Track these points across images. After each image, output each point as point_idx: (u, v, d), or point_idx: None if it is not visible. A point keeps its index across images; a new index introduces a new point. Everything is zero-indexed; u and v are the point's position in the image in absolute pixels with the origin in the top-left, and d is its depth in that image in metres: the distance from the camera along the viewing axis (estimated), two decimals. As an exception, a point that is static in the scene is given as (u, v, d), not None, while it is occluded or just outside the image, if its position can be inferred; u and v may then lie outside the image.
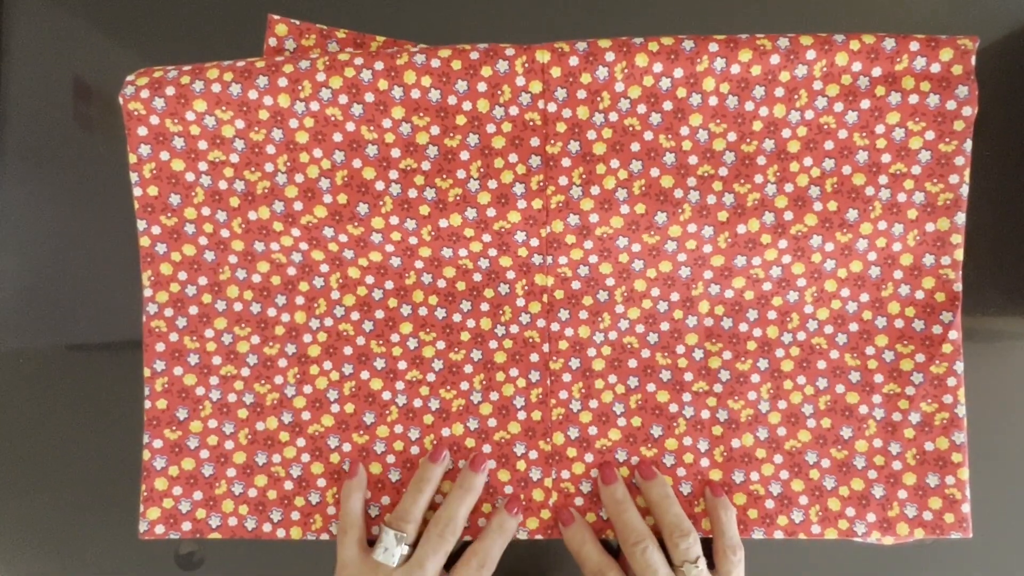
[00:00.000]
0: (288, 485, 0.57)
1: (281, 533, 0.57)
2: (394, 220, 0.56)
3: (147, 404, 0.57)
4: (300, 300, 0.58)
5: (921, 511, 0.55)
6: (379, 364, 0.58)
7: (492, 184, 0.55)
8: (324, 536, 0.57)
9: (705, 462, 0.57)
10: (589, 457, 0.57)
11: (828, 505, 0.56)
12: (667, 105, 0.54)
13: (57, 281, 0.60)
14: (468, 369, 0.58)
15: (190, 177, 0.56)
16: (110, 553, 0.60)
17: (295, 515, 0.57)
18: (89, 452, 0.60)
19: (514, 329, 0.57)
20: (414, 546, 0.54)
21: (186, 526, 0.57)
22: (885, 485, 0.56)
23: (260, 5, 0.58)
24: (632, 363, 0.57)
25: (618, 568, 0.54)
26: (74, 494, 0.60)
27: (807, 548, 0.58)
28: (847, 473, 0.56)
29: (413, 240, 0.57)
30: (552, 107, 0.54)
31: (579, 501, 0.56)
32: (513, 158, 0.55)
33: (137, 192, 0.57)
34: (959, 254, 0.55)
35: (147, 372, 0.58)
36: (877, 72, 0.53)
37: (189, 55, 0.56)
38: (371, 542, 0.56)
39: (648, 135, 0.55)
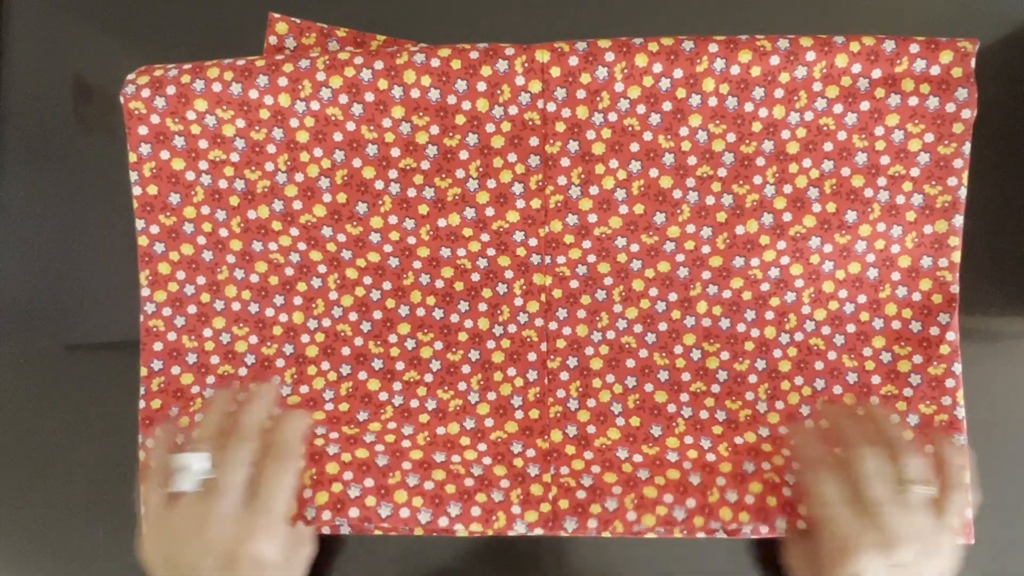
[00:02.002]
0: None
1: None
2: (393, 219, 0.56)
3: (141, 404, 0.57)
4: (298, 300, 0.58)
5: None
6: (377, 364, 0.58)
7: (491, 184, 0.56)
8: (298, 524, 0.56)
9: (712, 456, 0.56)
10: (588, 454, 0.57)
11: None
12: (666, 105, 0.54)
13: (57, 281, 0.60)
14: (466, 369, 0.58)
15: (190, 176, 0.57)
16: (108, 553, 0.60)
17: None
18: (88, 452, 0.60)
19: (512, 329, 0.57)
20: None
21: None
22: None
23: (260, 3, 0.58)
24: (630, 363, 0.57)
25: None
26: (73, 494, 0.60)
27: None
28: None
29: (412, 240, 0.57)
30: (551, 107, 0.54)
31: (581, 494, 0.56)
32: (512, 158, 0.55)
33: (136, 191, 0.57)
34: (956, 256, 0.55)
35: (144, 371, 0.58)
36: (877, 74, 0.53)
37: (189, 54, 0.56)
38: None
39: (647, 135, 0.55)
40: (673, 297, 0.57)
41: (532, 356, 0.57)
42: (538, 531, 0.56)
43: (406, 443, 0.57)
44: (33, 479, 0.60)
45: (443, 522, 0.55)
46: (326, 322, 0.58)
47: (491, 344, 0.58)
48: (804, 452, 0.51)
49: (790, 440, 0.54)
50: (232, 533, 0.48)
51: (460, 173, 0.56)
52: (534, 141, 0.55)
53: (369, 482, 0.55)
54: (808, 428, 0.54)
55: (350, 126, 0.55)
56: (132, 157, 0.56)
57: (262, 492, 0.49)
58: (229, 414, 0.52)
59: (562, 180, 0.55)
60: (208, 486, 0.49)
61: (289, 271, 0.58)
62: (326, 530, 0.57)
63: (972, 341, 0.56)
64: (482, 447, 0.57)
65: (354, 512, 0.55)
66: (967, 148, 0.54)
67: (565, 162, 0.55)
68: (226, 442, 0.50)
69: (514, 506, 0.56)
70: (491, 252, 0.57)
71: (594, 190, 0.55)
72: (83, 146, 0.59)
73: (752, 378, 0.57)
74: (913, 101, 0.54)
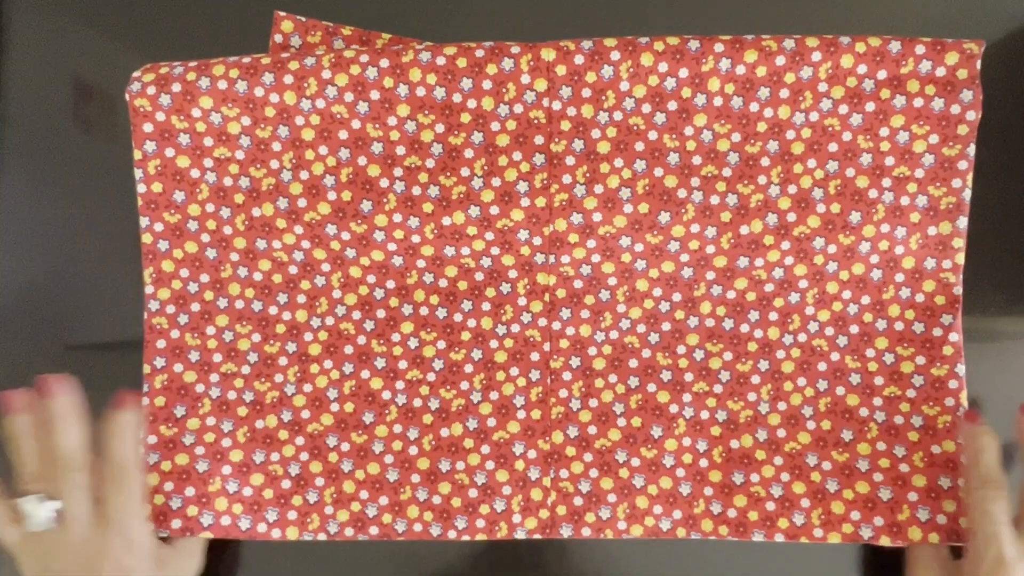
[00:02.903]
0: (285, 484, 0.57)
1: (276, 533, 0.57)
2: (397, 217, 0.56)
3: (144, 400, 0.57)
4: (301, 298, 0.58)
5: (935, 514, 0.54)
6: (380, 363, 0.58)
7: (496, 182, 0.56)
8: (321, 536, 0.57)
9: (704, 463, 0.57)
10: (588, 456, 0.57)
11: (831, 508, 0.55)
12: (672, 105, 0.54)
13: (57, 281, 0.60)
14: (468, 369, 0.58)
15: (195, 173, 0.56)
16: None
17: (292, 515, 0.57)
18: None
19: (515, 328, 0.57)
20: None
21: (176, 523, 0.56)
22: (893, 488, 0.55)
23: (266, 2, 0.58)
24: (633, 363, 0.57)
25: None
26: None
27: (807, 548, 0.58)
28: (850, 476, 0.56)
29: (416, 238, 0.57)
30: (557, 105, 0.54)
31: (578, 501, 0.56)
32: (517, 156, 0.55)
33: (141, 189, 0.57)
34: (960, 258, 0.55)
35: (147, 368, 0.57)
36: (882, 75, 0.53)
37: (192, 54, 0.56)
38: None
39: (652, 135, 0.55)
40: (677, 297, 0.57)
41: (535, 356, 0.57)
42: (536, 536, 0.57)
43: (413, 449, 0.57)
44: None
45: (452, 534, 0.56)
46: (329, 320, 0.58)
47: (494, 344, 0.58)
48: (983, 466, 0.52)
49: (970, 444, 0.53)
50: (93, 557, 0.49)
51: (465, 171, 0.56)
52: (539, 140, 0.55)
53: (384, 499, 0.57)
54: (990, 435, 0.53)
55: (355, 124, 0.55)
56: (137, 154, 0.56)
57: (112, 518, 0.51)
58: (45, 439, 0.52)
59: (567, 179, 0.55)
60: (60, 518, 0.51)
61: (293, 269, 0.58)
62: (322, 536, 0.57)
63: (973, 341, 0.56)
64: (485, 449, 0.57)
65: (374, 530, 0.57)
66: (972, 150, 0.54)
67: (570, 161, 0.55)
68: (59, 475, 0.51)
69: (515, 515, 0.56)
70: (495, 251, 0.57)
71: (599, 189, 0.55)
72: (83, 146, 0.59)
73: (755, 379, 0.57)
74: (918, 102, 0.54)
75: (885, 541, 0.55)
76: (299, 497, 0.57)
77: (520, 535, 0.56)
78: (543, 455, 0.57)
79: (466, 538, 0.57)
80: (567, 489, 0.57)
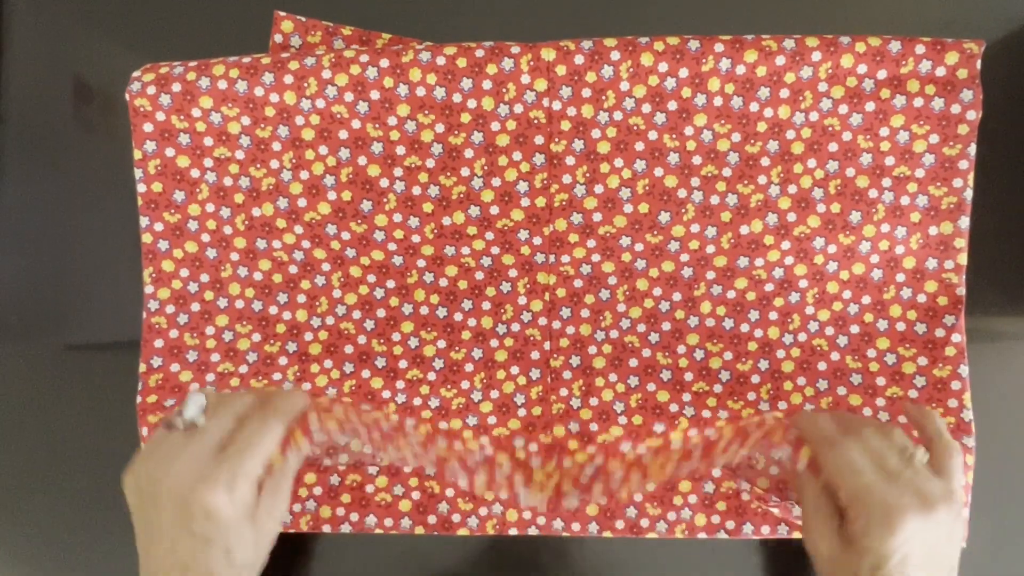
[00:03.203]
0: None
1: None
2: (397, 217, 0.56)
3: (138, 399, 0.57)
4: (301, 298, 0.58)
5: None
6: (380, 363, 0.58)
7: (496, 182, 0.56)
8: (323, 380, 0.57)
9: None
10: (591, 448, 0.56)
11: None
12: (672, 105, 0.54)
13: (57, 281, 0.60)
14: (469, 368, 0.58)
15: (195, 173, 0.56)
16: (109, 553, 0.60)
17: (286, 517, 0.57)
18: (88, 452, 0.60)
19: (515, 327, 0.57)
20: None
21: None
22: None
23: (266, 2, 0.58)
24: (633, 362, 0.57)
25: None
26: (73, 494, 0.60)
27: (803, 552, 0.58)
28: None
29: (416, 238, 0.57)
30: (557, 105, 0.54)
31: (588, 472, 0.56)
32: (517, 156, 0.55)
33: (141, 188, 0.57)
34: (962, 258, 0.55)
35: (142, 367, 0.57)
36: (882, 75, 0.53)
37: (192, 54, 0.56)
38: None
39: (652, 135, 0.55)
40: (677, 297, 0.57)
41: (535, 355, 0.57)
42: (541, 520, 0.57)
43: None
44: (32, 479, 0.60)
45: (457, 316, 0.58)
46: (329, 320, 0.58)
47: (494, 343, 0.58)
48: (817, 432, 0.50)
49: (797, 425, 0.52)
50: (191, 474, 0.46)
51: (465, 171, 0.56)
52: (539, 140, 0.55)
53: (391, 283, 0.58)
54: (810, 411, 0.53)
55: (355, 124, 0.55)
56: (137, 154, 0.56)
57: (235, 443, 0.48)
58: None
59: (567, 179, 0.55)
60: (196, 423, 0.48)
61: (293, 269, 0.58)
62: (327, 528, 0.57)
63: (974, 341, 0.56)
64: (484, 440, 0.57)
65: (381, 312, 0.58)
66: (972, 149, 0.54)
67: (570, 161, 0.55)
68: (227, 394, 0.50)
69: (520, 296, 0.57)
70: (495, 251, 0.57)
71: (599, 189, 0.55)
72: (83, 146, 0.59)
73: (755, 378, 0.57)
74: (918, 102, 0.54)
75: None
76: (298, 505, 0.57)
77: (523, 498, 0.54)
78: (544, 448, 0.57)
79: (472, 322, 0.57)
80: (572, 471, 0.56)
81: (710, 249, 0.56)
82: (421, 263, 0.57)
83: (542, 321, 0.57)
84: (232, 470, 0.47)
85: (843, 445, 0.48)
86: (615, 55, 0.53)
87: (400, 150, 0.55)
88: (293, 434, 0.51)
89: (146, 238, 0.57)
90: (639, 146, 0.55)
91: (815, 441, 0.50)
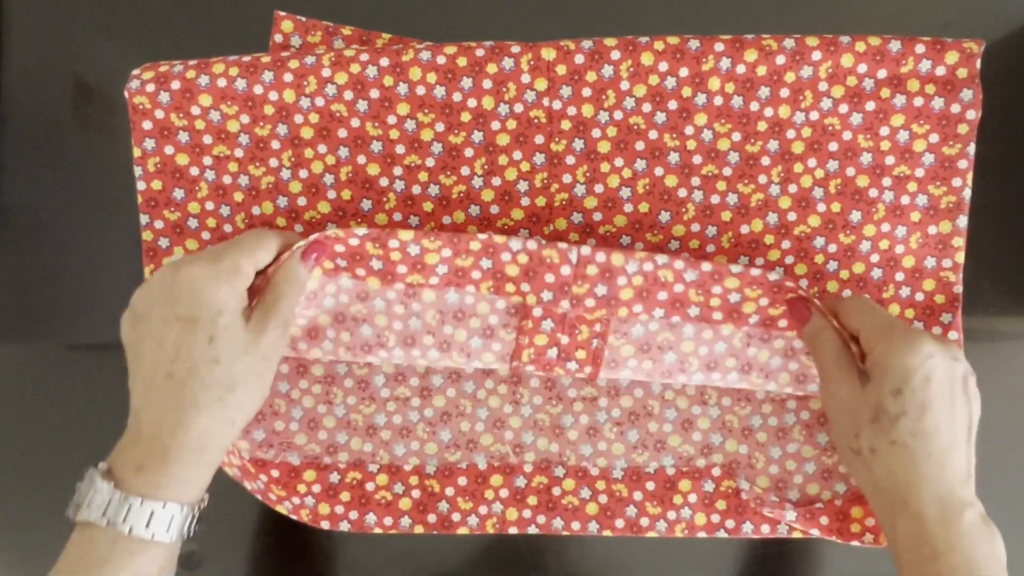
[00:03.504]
0: (275, 473, 0.58)
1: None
2: (397, 216, 0.56)
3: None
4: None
5: None
6: (376, 148, 0.56)
7: (496, 181, 0.56)
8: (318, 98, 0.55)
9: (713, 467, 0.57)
10: (592, 269, 0.53)
11: (849, 510, 0.56)
12: (672, 104, 0.54)
13: (57, 281, 0.59)
14: (469, 153, 0.56)
15: (194, 172, 0.56)
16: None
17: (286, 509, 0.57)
18: (89, 452, 0.59)
19: (518, 108, 0.55)
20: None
21: None
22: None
23: (266, 2, 0.58)
24: (639, 145, 0.56)
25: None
26: (73, 494, 0.60)
27: (806, 548, 0.58)
28: (848, 473, 0.56)
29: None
30: (557, 105, 0.54)
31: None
32: (517, 155, 0.55)
33: (140, 187, 0.57)
34: (960, 257, 0.56)
35: None
36: (882, 74, 0.53)
37: (192, 54, 0.56)
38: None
39: (653, 134, 0.55)
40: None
41: (539, 139, 0.56)
42: (541, 519, 0.56)
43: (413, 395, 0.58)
44: (33, 479, 0.60)
45: (456, 96, 0.55)
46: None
47: (495, 125, 0.56)
48: (824, 300, 0.52)
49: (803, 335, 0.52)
50: (180, 264, 0.46)
51: (465, 170, 0.56)
52: (539, 139, 0.55)
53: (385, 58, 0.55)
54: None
55: (355, 123, 0.55)
56: (136, 152, 0.56)
57: (228, 244, 0.47)
58: None
59: (567, 178, 0.55)
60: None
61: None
62: (326, 524, 0.57)
63: (973, 341, 0.57)
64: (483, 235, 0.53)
65: (374, 93, 0.55)
66: (972, 149, 0.54)
67: (570, 160, 0.55)
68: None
69: (524, 75, 0.54)
70: (495, 250, 0.57)
71: (599, 188, 0.55)
72: (83, 146, 0.59)
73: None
74: (918, 101, 0.54)
75: (869, 539, 0.55)
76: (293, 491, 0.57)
77: (529, 96, 0.54)
78: (549, 236, 0.56)
79: (472, 101, 0.55)
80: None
81: (710, 248, 0.56)
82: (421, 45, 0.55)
83: (546, 101, 0.55)
84: (219, 251, 0.47)
85: (855, 297, 0.52)
86: (615, 55, 0.53)
87: (400, 149, 0.55)
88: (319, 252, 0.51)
89: (146, 236, 0.57)
90: (639, 145, 0.55)
91: (826, 304, 0.51)
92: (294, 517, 0.57)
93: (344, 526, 0.57)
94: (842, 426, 0.49)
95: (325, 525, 0.57)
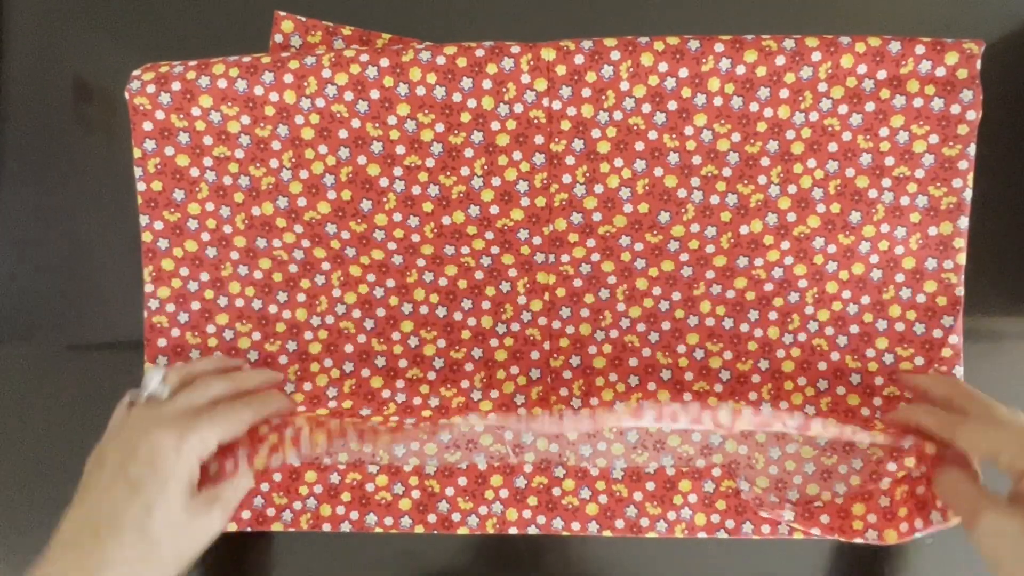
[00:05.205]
0: (277, 477, 0.58)
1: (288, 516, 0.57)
2: (397, 217, 0.56)
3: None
4: (301, 297, 0.58)
5: (928, 510, 0.54)
6: (380, 362, 0.58)
7: (496, 181, 0.56)
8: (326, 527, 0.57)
9: (701, 462, 0.57)
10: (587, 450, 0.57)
11: (850, 509, 0.56)
12: (672, 105, 0.54)
13: (57, 281, 0.60)
14: (469, 367, 0.58)
15: (194, 172, 0.56)
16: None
17: (287, 515, 0.57)
18: (89, 452, 0.59)
19: (515, 327, 0.57)
20: None
21: None
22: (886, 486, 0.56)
23: (266, 2, 0.58)
24: (633, 362, 0.57)
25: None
26: (73, 494, 0.60)
27: (806, 548, 0.58)
28: (847, 474, 0.56)
29: (415, 237, 0.57)
30: (557, 105, 0.54)
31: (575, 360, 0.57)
32: (517, 155, 0.55)
33: (141, 187, 0.57)
34: (961, 258, 0.55)
35: (148, 367, 0.57)
36: (882, 75, 0.53)
37: (192, 54, 0.56)
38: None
39: (652, 134, 0.55)
40: (676, 296, 0.57)
41: (535, 355, 0.57)
42: (541, 519, 0.57)
43: (415, 446, 0.58)
44: (33, 479, 0.60)
45: (457, 316, 0.58)
46: (329, 319, 0.58)
47: (494, 342, 0.58)
48: (932, 423, 0.50)
49: (903, 423, 0.52)
50: (150, 421, 0.47)
51: (465, 171, 0.56)
52: (539, 139, 0.55)
53: (391, 283, 0.57)
54: (907, 408, 0.53)
55: (355, 123, 0.55)
56: (136, 153, 0.56)
57: (202, 412, 0.48)
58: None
59: (567, 178, 0.55)
60: (162, 397, 0.49)
61: (293, 268, 0.58)
62: (327, 527, 0.57)
63: (973, 341, 0.56)
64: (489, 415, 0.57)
65: (380, 311, 0.58)
66: (972, 150, 0.54)
67: (570, 160, 0.55)
68: (199, 376, 0.51)
69: (521, 295, 0.57)
70: (495, 250, 0.57)
71: (599, 189, 0.55)
72: (84, 146, 0.59)
73: (755, 378, 0.57)
74: (918, 102, 0.54)
75: (890, 536, 0.55)
76: (299, 502, 0.57)
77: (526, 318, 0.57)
78: (542, 456, 0.57)
79: (472, 321, 0.57)
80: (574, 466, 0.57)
81: (710, 249, 0.56)
82: (421, 262, 0.57)
83: (542, 321, 0.57)
84: (190, 424, 0.47)
85: (963, 422, 0.48)
86: (615, 55, 0.53)
87: (400, 149, 0.55)
88: (282, 441, 0.51)
89: (146, 237, 0.57)
90: (639, 146, 0.55)
91: (936, 431, 0.50)
92: (292, 529, 0.57)
93: (345, 527, 0.57)
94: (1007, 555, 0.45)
95: (326, 528, 0.57)
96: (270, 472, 0.58)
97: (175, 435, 0.46)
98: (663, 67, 0.53)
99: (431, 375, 0.58)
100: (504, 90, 0.54)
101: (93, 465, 0.48)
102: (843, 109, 0.54)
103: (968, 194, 0.55)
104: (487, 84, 0.54)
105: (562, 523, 0.57)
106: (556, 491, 0.57)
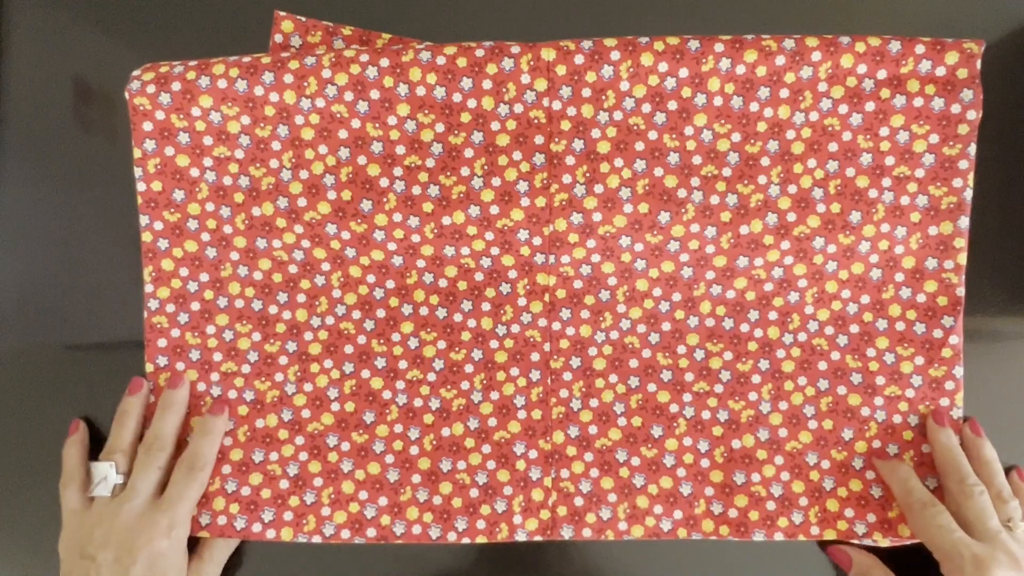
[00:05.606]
0: (283, 484, 0.57)
1: (271, 534, 0.56)
2: (397, 217, 0.56)
3: (151, 398, 0.57)
4: (301, 298, 0.58)
5: None
6: (380, 363, 0.58)
7: (496, 182, 0.56)
8: (316, 538, 0.56)
9: (706, 463, 0.57)
10: (589, 456, 0.57)
11: (827, 506, 0.56)
12: (672, 105, 0.54)
13: (57, 281, 0.59)
14: (469, 368, 0.58)
15: (194, 173, 0.56)
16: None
17: (288, 515, 0.57)
18: (88, 452, 0.59)
19: (515, 328, 0.57)
20: (128, 476, 0.55)
21: None
22: (883, 486, 0.55)
23: (266, 2, 0.58)
24: (633, 363, 0.57)
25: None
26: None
27: (806, 548, 0.58)
28: (846, 474, 0.56)
29: (416, 238, 0.57)
30: (557, 105, 0.54)
31: (579, 501, 0.56)
32: (517, 156, 0.55)
33: (141, 187, 0.57)
34: (962, 258, 0.55)
35: (149, 367, 0.57)
36: (882, 75, 0.53)
37: (192, 54, 0.56)
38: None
39: (652, 134, 0.55)
40: (677, 297, 0.57)
41: (535, 356, 0.57)
42: (537, 538, 0.56)
43: (414, 449, 0.57)
44: (33, 479, 0.60)
45: (451, 536, 0.56)
46: (329, 320, 0.58)
47: (494, 344, 0.58)
48: (911, 496, 0.53)
49: (887, 477, 0.55)
50: (134, 528, 0.52)
51: (465, 171, 0.56)
52: (539, 139, 0.55)
53: (383, 500, 0.57)
54: (900, 465, 0.55)
55: (355, 123, 0.55)
56: (136, 153, 0.56)
57: (168, 495, 0.54)
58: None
59: (567, 179, 0.55)
60: (121, 489, 0.54)
61: (293, 268, 0.58)
62: (346, 533, 0.57)
63: (973, 341, 0.57)
64: (486, 449, 0.57)
65: (371, 532, 0.57)
66: (972, 149, 0.54)
67: (570, 160, 0.55)
68: (143, 450, 0.55)
69: (516, 515, 0.56)
70: (495, 251, 0.57)
71: (599, 189, 0.55)
72: (83, 147, 0.59)
73: (755, 378, 0.57)
74: (918, 102, 0.54)
75: (878, 538, 0.55)
76: (296, 498, 0.57)
77: (521, 537, 0.56)
78: (544, 455, 0.57)
79: (466, 540, 0.56)
80: (568, 489, 0.57)
81: (710, 249, 0.56)
82: (421, 263, 0.57)
83: (542, 322, 0.57)
84: (171, 519, 0.53)
85: (930, 509, 0.52)
86: (615, 55, 0.53)
87: (400, 149, 0.55)
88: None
89: (146, 237, 0.57)
90: (639, 146, 0.55)
91: (909, 504, 0.54)
92: (304, 539, 0.56)
93: (371, 533, 0.57)
94: None
95: (345, 535, 0.57)
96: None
97: (164, 533, 0.53)
98: (663, 67, 0.53)
99: (431, 376, 0.58)
100: (504, 90, 0.54)
101: (75, 562, 0.53)
102: (843, 109, 0.54)
103: (968, 194, 0.55)
104: (487, 84, 0.54)
105: (571, 532, 0.57)
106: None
